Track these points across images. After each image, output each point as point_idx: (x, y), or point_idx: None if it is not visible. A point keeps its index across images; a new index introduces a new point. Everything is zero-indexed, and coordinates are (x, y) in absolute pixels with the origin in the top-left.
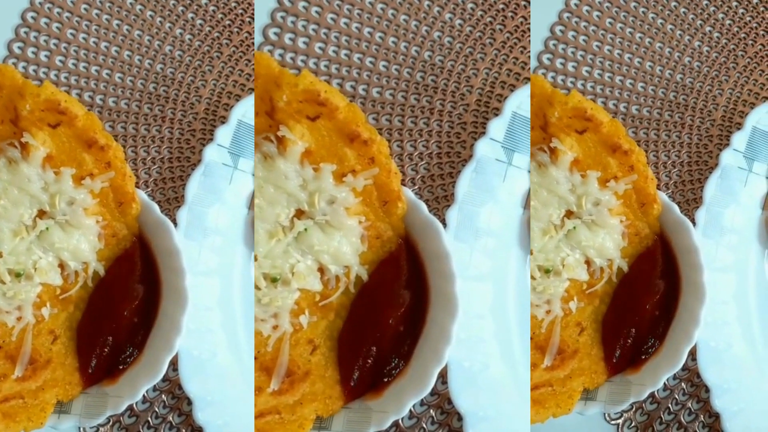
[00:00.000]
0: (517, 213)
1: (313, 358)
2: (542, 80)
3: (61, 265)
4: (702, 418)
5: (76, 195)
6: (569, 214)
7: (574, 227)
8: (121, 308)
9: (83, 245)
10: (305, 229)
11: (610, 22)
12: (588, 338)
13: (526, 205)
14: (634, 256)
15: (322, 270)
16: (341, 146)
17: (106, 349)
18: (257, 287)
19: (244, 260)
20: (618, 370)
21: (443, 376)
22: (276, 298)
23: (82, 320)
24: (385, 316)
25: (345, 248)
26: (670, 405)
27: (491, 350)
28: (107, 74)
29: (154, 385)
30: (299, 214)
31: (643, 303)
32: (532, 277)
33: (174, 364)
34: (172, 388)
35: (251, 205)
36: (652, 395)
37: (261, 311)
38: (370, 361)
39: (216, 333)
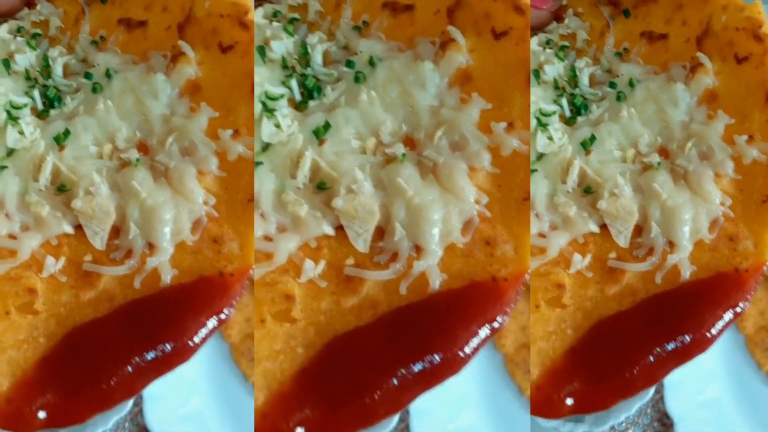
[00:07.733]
0: None
1: None
2: None
3: (117, 228)
4: None
5: (201, 146)
6: (663, 152)
7: (658, 164)
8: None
9: (166, 214)
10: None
11: None
12: (560, 321)
13: None
14: (709, 270)
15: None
16: None
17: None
18: None
19: None
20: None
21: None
22: None
23: (84, 330)
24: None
25: (436, 215)
26: None
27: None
28: None
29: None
30: None
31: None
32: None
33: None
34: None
35: None
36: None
37: None
38: None
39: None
